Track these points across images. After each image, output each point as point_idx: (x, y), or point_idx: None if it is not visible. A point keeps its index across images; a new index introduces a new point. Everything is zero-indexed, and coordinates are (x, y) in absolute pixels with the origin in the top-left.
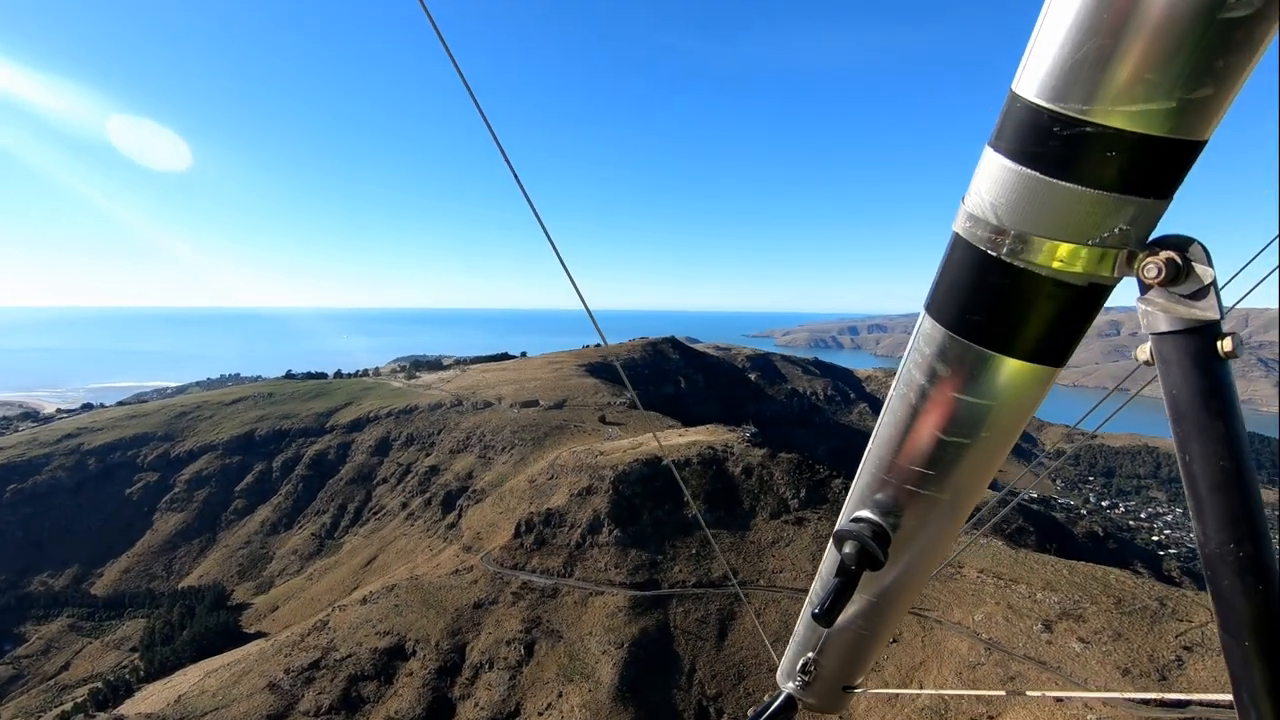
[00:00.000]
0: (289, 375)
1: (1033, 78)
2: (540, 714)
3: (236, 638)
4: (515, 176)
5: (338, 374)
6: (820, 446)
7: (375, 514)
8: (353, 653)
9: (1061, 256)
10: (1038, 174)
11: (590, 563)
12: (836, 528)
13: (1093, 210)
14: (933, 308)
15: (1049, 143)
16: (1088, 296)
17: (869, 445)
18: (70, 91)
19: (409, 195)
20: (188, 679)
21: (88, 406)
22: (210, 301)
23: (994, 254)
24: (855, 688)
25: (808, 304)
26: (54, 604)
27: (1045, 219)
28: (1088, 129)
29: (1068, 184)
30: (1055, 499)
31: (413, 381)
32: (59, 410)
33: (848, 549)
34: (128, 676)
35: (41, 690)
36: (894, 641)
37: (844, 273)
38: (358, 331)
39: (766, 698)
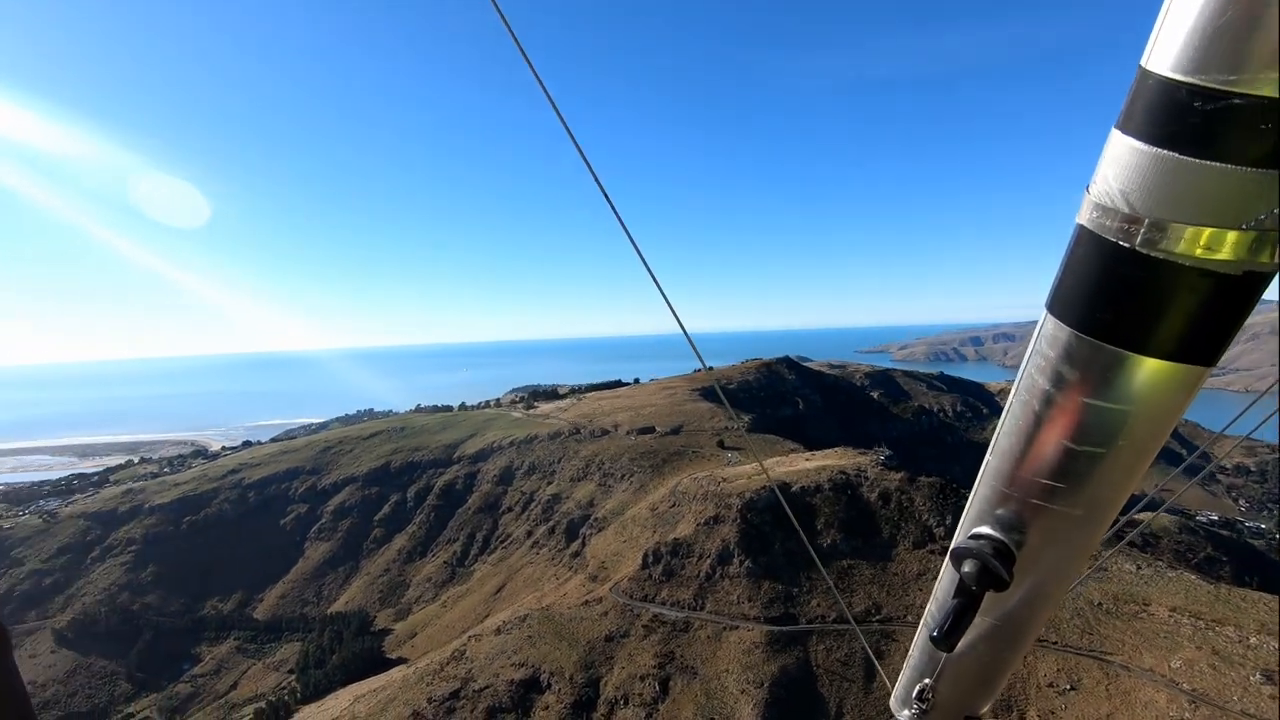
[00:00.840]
0: (418, 409)
1: (1167, 51)
2: None
3: (380, 663)
4: (607, 198)
5: (462, 406)
6: (954, 467)
7: (502, 542)
8: (490, 684)
9: (1207, 243)
10: (1176, 154)
11: (722, 595)
12: (954, 545)
13: (1244, 190)
14: (1056, 306)
15: (1188, 119)
16: (1242, 286)
17: (987, 456)
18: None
19: (495, 229)
20: (338, 703)
21: (247, 444)
22: (318, 343)
23: (1126, 245)
24: (978, 717)
25: (924, 316)
26: (223, 627)
27: (1187, 203)
28: (1235, 100)
29: (1213, 163)
30: (1241, 521)
31: (531, 411)
32: (224, 448)
33: (968, 568)
34: (286, 698)
35: (215, 708)
36: (1072, 689)
37: (962, 282)
38: (474, 365)
39: None
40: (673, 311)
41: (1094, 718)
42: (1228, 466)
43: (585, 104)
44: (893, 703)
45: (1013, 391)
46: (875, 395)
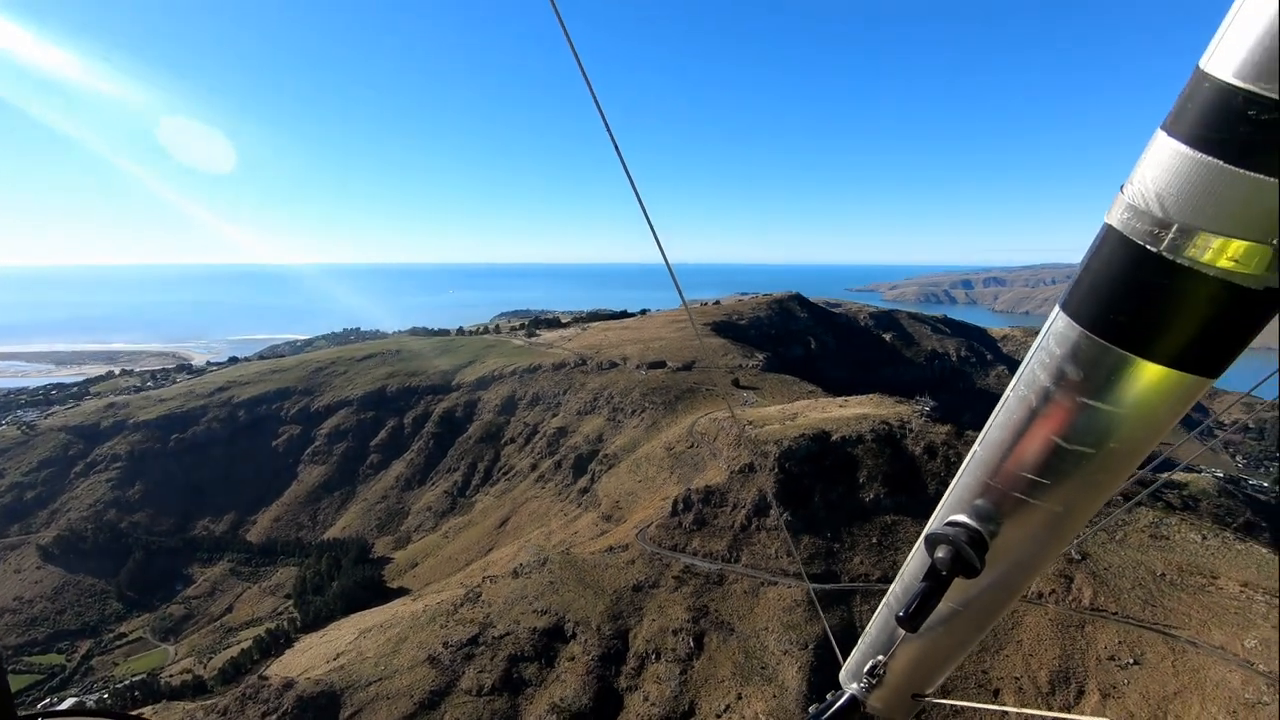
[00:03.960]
0: (414, 331)
1: (1229, 56)
2: (719, 716)
3: (381, 593)
4: (609, 130)
5: (460, 331)
6: (965, 414)
7: (505, 474)
8: (511, 630)
9: (1235, 255)
10: (1221, 163)
11: (758, 548)
12: (928, 530)
13: None
14: (1070, 305)
15: (1240, 128)
16: (1261, 302)
17: (975, 447)
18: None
19: (491, 148)
20: (342, 634)
21: (234, 359)
22: (299, 258)
23: (1153, 249)
24: (924, 696)
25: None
26: (216, 548)
27: (1222, 213)
28: None
29: (1258, 175)
30: (1244, 479)
31: (533, 340)
32: (208, 362)
33: (940, 553)
34: (285, 626)
35: (210, 630)
36: (1135, 663)
37: (952, 223)
38: (459, 286)
39: (829, 696)
40: (658, 243)
41: (1160, 695)
42: (1226, 423)
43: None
44: (842, 675)
45: (1010, 386)
46: (887, 337)
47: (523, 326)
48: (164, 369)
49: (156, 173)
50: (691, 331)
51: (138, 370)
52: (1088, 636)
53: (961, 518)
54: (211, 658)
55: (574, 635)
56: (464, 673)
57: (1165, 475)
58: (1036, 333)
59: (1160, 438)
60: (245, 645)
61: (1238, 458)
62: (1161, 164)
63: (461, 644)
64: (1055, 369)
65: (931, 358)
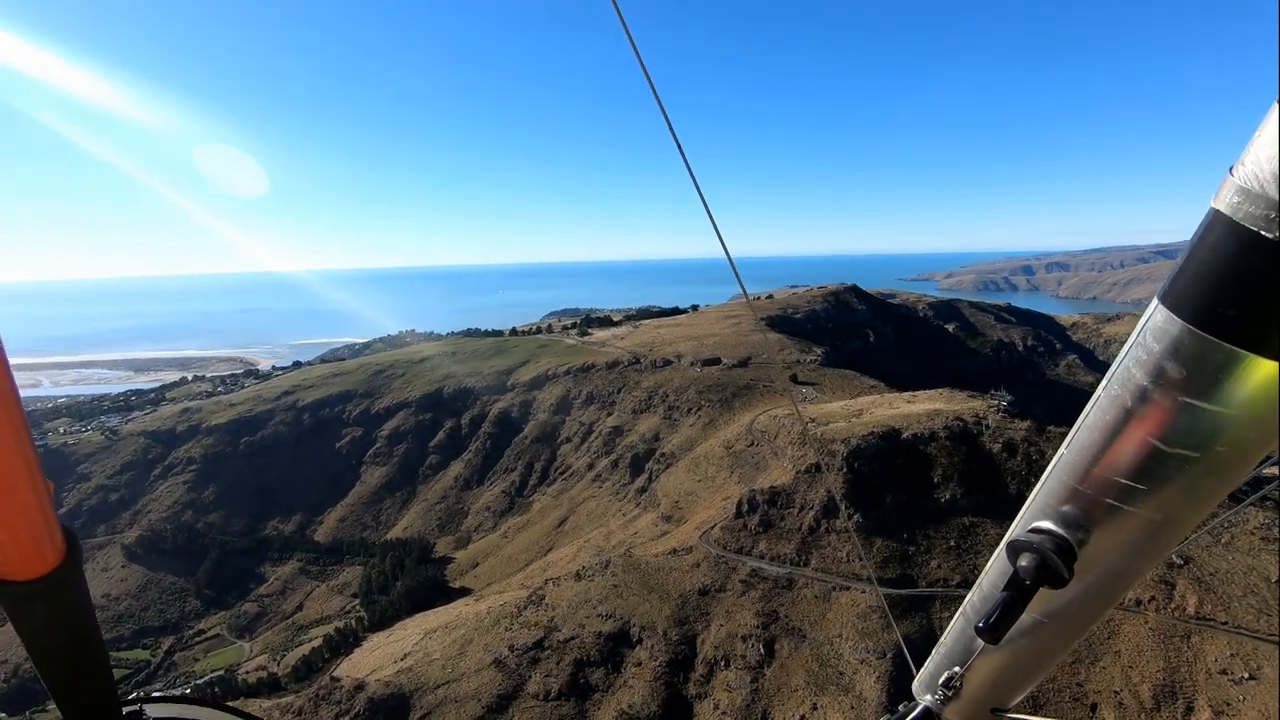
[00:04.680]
0: (468, 333)
1: None
2: None
3: (444, 592)
4: (667, 120)
5: (513, 331)
6: (1037, 407)
7: (562, 473)
8: (576, 635)
9: None
10: None
11: (829, 551)
12: (1010, 537)
13: None
14: (1170, 297)
15: None
16: None
17: (1061, 449)
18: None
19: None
20: (408, 634)
21: (298, 364)
22: (347, 264)
23: (1269, 235)
24: (1005, 711)
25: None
26: (286, 548)
27: None
28: None
29: None
30: None
31: (586, 339)
32: (274, 367)
33: (1024, 561)
34: (354, 625)
35: (283, 628)
36: (1250, 678)
37: (1008, 207)
38: (508, 286)
39: (901, 708)
40: (719, 235)
41: None
42: None
43: None
44: (916, 686)
45: (1102, 385)
46: (950, 328)
47: (574, 326)
48: (233, 374)
49: (193, 191)
50: (746, 327)
51: (209, 376)
52: (1195, 648)
53: (1047, 524)
54: (284, 655)
55: (640, 640)
56: (530, 677)
57: (1256, 471)
58: (1108, 320)
59: (1274, 442)
60: (316, 644)
61: None
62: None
63: (527, 647)
64: (1154, 366)
65: (998, 348)
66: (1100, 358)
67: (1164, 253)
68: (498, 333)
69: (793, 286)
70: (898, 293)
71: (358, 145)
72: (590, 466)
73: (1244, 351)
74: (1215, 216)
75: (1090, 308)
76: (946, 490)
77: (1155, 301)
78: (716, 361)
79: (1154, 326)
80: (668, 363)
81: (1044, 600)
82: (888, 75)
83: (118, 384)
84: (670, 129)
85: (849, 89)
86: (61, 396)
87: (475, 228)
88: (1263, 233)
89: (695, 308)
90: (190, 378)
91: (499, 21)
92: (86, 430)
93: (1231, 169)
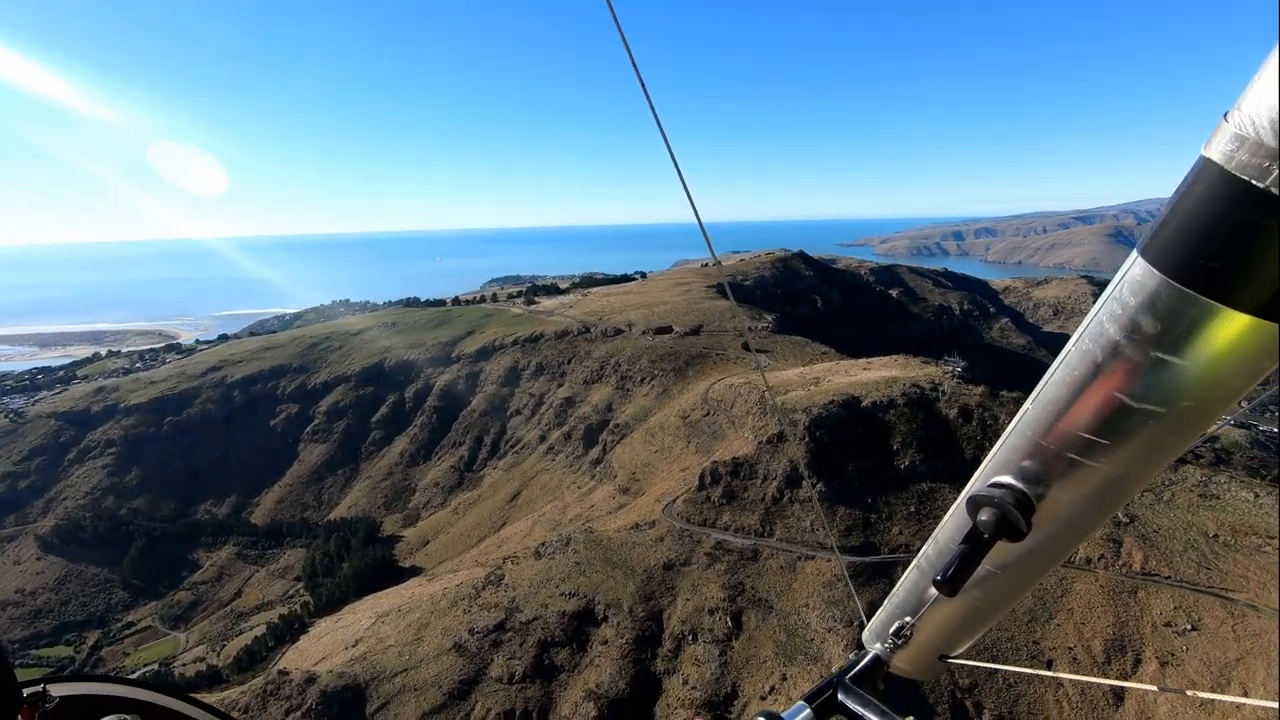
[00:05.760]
0: (409, 303)
1: None
2: (763, 698)
3: (394, 573)
4: (641, 80)
5: (455, 301)
6: (976, 370)
7: (513, 447)
8: (538, 615)
9: None
10: None
11: (792, 521)
12: (970, 492)
13: None
14: (1151, 250)
15: None
16: None
17: (1026, 405)
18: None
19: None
20: (358, 619)
21: (223, 337)
22: (272, 230)
23: (1260, 185)
24: (951, 658)
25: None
26: (220, 532)
27: None
28: None
29: None
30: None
31: (533, 308)
32: (198, 340)
33: (984, 515)
34: (299, 611)
35: (220, 616)
36: (1192, 629)
37: (940, 173)
38: (446, 254)
39: (851, 656)
40: (691, 201)
41: (1222, 661)
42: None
43: None
44: (865, 635)
45: (1072, 340)
46: (894, 294)
47: (520, 294)
48: (152, 349)
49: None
50: (696, 294)
51: (125, 351)
52: (1141, 603)
53: (1007, 479)
54: (224, 645)
55: (605, 618)
56: (493, 660)
57: (1214, 428)
58: (1037, 284)
59: (1238, 397)
60: (258, 632)
61: (1240, 403)
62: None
63: (488, 630)
64: (1128, 321)
65: (939, 313)
66: (1030, 320)
67: (1083, 218)
68: (439, 302)
69: (734, 252)
70: (838, 258)
71: (273, 101)
72: (542, 439)
73: (1222, 306)
74: (1205, 165)
75: (1017, 272)
76: (906, 457)
77: (1134, 255)
78: (668, 330)
79: (1131, 280)
80: (619, 332)
81: (999, 553)
82: (819, 36)
83: (21, 361)
84: (645, 88)
85: (777, 46)
86: None
87: (401, 193)
88: (1254, 182)
89: (643, 275)
90: (104, 353)
91: None
92: None
93: (1226, 115)
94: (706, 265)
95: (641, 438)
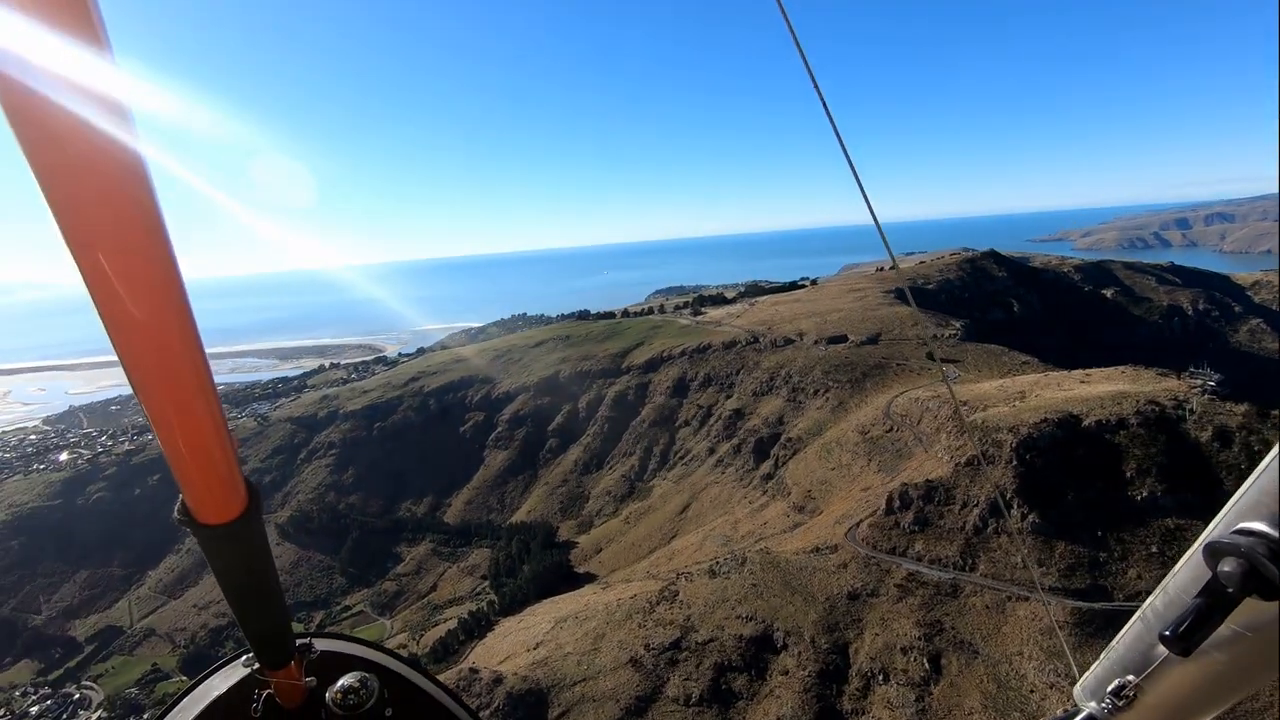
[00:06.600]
0: (580, 316)
1: None
2: None
3: (570, 578)
4: (813, 79)
5: (625, 313)
6: (1227, 383)
7: (681, 458)
8: (715, 636)
9: None
10: None
11: (999, 555)
12: (1210, 537)
13: None
14: None
15: None
16: None
17: None
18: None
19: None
20: (538, 621)
21: (420, 350)
22: (451, 251)
23: None
24: None
25: (1103, 197)
26: (419, 529)
27: None
28: None
29: None
30: None
31: (700, 318)
32: (399, 353)
33: (1228, 566)
34: (485, 609)
35: (419, 608)
36: None
37: (1147, 154)
38: (612, 267)
39: (1061, 712)
40: (867, 202)
41: None
42: None
43: None
44: (1078, 690)
45: None
46: (1107, 294)
47: (687, 305)
48: (364, 360)
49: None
50: (872, 300)
51: (343, 363)
52: None
53: (1260, 526)
54: (423, 634)
55: (785, 646)
56: (669, 679)
57: None
58: None
59: None
60: (451, 625)
61: None
62: None
63: (664, 647)
64: None
65: (1168, 315)
66: None
67: None
68: (609, 315)
69: (911, 253)
70: (1033, 256)
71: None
72: (711, 451)
73: None
74: None
75: (1266, 263)
76: (1143, 486)
77: None
78: (843, 339)
79: None
80: (789, 341)
81: (1249, 612)
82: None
83: (266, 372)
84: (816, 87)
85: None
86: (220, 385)
87: (570, 210)
88: None
89: (813, 281)
90: (328, 365)
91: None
92: (242, 417)
93: None
94: (881, 269)
95: (816, 453)
